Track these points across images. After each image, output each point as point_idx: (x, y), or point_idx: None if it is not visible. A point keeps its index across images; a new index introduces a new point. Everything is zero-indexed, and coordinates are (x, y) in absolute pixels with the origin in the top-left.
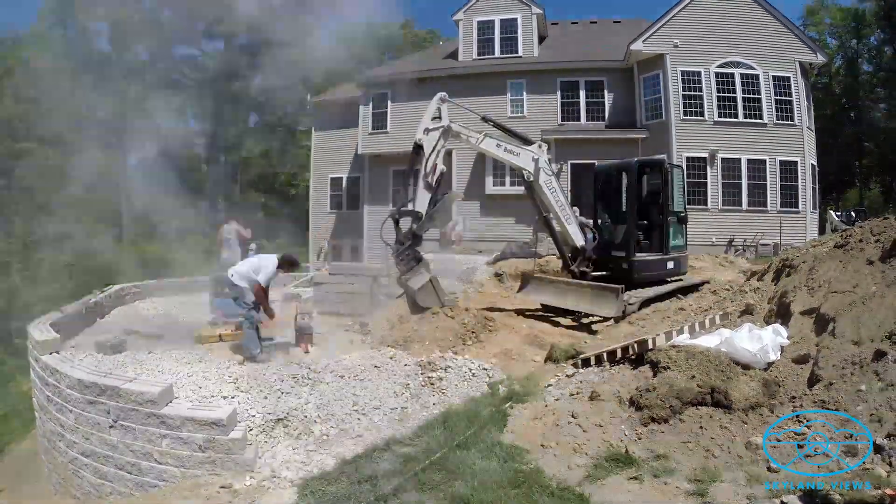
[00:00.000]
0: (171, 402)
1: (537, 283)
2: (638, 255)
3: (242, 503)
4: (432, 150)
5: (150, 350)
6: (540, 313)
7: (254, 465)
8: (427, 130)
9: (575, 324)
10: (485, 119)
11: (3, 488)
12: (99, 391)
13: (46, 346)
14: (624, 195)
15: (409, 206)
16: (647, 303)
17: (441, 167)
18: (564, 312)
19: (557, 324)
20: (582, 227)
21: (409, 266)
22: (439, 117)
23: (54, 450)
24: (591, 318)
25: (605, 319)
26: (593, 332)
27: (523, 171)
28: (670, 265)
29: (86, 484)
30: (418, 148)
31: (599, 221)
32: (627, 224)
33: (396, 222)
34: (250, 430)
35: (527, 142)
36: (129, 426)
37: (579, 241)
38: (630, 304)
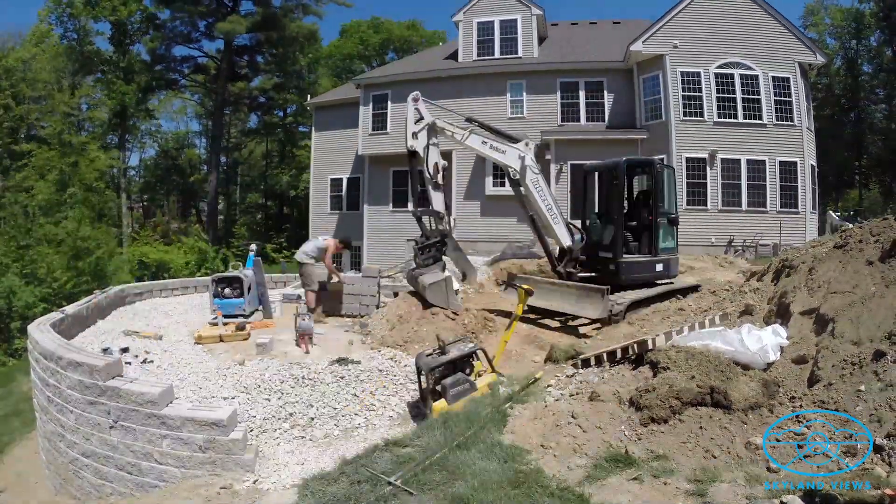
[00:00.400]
0: (171, 402)
1: (522, 283)
2: (625, 256)
3: (243, 502)
4: (426, 151)
5: (149, 351)
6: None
7: (254, 466)
8: (415, 134)
9: (561, 325)
10: (469, 120)
11: (3, 489)
12: (99, 392)
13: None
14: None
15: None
16: (633, 306)
17: (441, 163)
18: (552, 314)
19: (546, 326)
20: (569, 227)
21: (426, 262)
22: (421, 117)
23: (55, 450)
24: (577, 319)
25: (592, 322)
26: (580, 336)
27: (509, 169)
28: (659, 267)
29: (86, 484)
30: (413, 154)
31: (587, 222)
32: (615, 225)
33: (419, 219)
34: (251, 430)
35: (513, 140)
36: (129, 427)
37: (566, 241)
38: (617, 305)
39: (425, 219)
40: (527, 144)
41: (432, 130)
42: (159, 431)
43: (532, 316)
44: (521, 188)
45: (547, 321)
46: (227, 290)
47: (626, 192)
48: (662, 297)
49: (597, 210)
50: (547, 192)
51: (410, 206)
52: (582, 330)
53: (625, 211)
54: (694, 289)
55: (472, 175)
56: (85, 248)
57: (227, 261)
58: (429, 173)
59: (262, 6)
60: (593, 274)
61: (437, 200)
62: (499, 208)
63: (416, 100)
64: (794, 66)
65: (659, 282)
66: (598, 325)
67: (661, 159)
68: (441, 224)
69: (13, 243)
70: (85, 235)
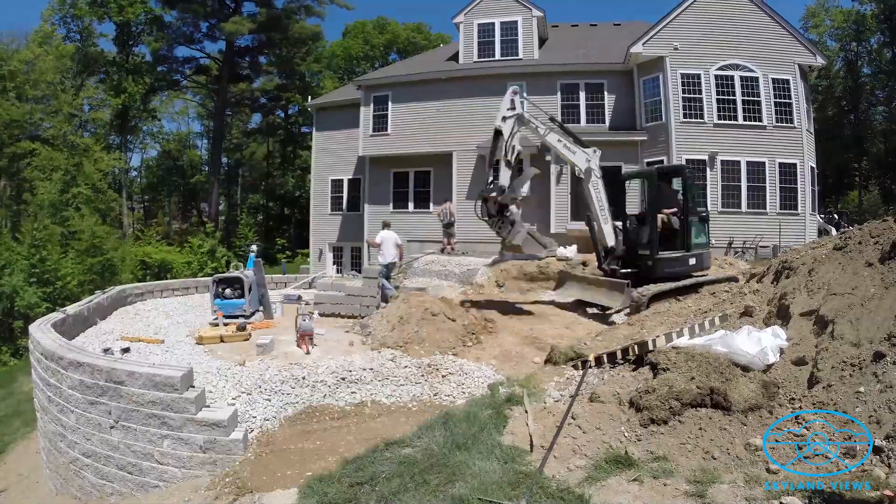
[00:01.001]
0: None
1: (570, 282)
2: (661, 252)
3: (244, 503)
4: (510, 135)
5: (150, 352)
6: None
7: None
8: (504, 118)
9: (599, 313)
10: (552, 119)
11: (4, 489)
12: (100, 392)
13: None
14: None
15: (492, 185)
16: (658, 297)
17: (518, 148)
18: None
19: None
20: (615, 229)
21: (507, 230)
22: (513, 107)
23: (55, 450)
24: (606, 310)
25: (613, 310)
26: (610, 324)
27: (575, 168)
28: (692, 261)
29: (87, 484)
30: (498, 133)
31: (627, 223)
32: (649, 225)
33: (485, 200)
34: (251, 431)
35: (583, 145)
36: (129, 427)
37: (611, 241)
38: (642, 297)
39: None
40: (595, 151)
41: (520, 120)
42: (160, 432)
43: (536, 310)
44: (584, 188)
45: (549, 317)
46: (227, 291)
47: (659, 197)
48: (688, 289)
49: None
50: (603, 196)
51: (411, 207)
52: (589, 329)
53: (660, 212)
54: (722, 280)
55: (473, 176)
56: (99, 245)
57: (229, 262)
58: (505, 152)
59: (264, 7)
60: (635, 269)
61: (504, 176)
62: None
63: (515, 92)
64: (794, 68)
65: (694, 274)
66: (611, 318)
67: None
68: (507, 198)
69: (27, 240)
70: (99, 233)
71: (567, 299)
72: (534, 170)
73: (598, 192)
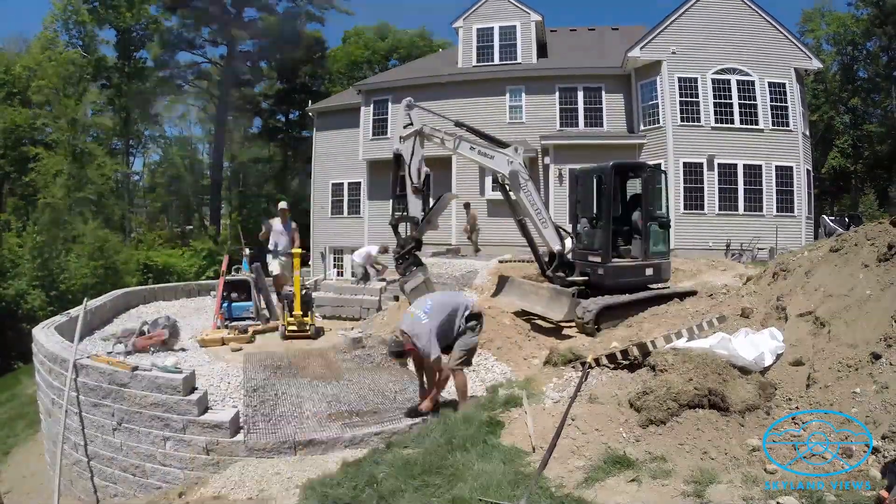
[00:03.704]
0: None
1: (511, 286)
2: (615, 260)
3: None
4: (411, 156)
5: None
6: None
7: (257, 467)
8: (401, 138)
9: (551, 326)
10: (458, 124)
11: (9, 490)
12: (103, 394)
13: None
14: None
15: (404, 214)
16: (607, 311)
17: (425, 170)
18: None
19: (540, 326)
20: (559, 231)
21: (407, 270)
22: (411, 123)
23: (59, 452)
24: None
25: (567, 325)
26: (563, 337)
27: (497, 174)
28: (649, 272)
29: (90, 486)
30: (398, 157)
31: (578, 226)
32: (603, 229)
33: (395, 229)
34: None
35: (502, 145)
36: (132, 428)
37: (555, 245)
38: (588, 312)
39: (401, 226)
40: (516, 150)
41: (420, 136)
42: (162, 433)
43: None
44: (511, 193)
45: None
46: (234, 295)
47: (616, 197)
48: (646, 302)
49: (591, 214)
50: (536, 197)
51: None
52: (566, 331)
53: (616, 215)
54: (683, 294)
55: (473, 178)
56: (102, 248)
57: (232, 265)
58: (410, 178)
59: (266, 13)
60: (585, 278)
61: (415, 206)
62: (498, 210)
63: (409, 106)
64: (791, 72)
65: (652, 286)
66: (563, 331)
67: (658, 164)
68: (416, 231)
69: (28, 242)
70: (102, 237)
71: (507, 307)
72: (451, 195)
73: (528, 195)
